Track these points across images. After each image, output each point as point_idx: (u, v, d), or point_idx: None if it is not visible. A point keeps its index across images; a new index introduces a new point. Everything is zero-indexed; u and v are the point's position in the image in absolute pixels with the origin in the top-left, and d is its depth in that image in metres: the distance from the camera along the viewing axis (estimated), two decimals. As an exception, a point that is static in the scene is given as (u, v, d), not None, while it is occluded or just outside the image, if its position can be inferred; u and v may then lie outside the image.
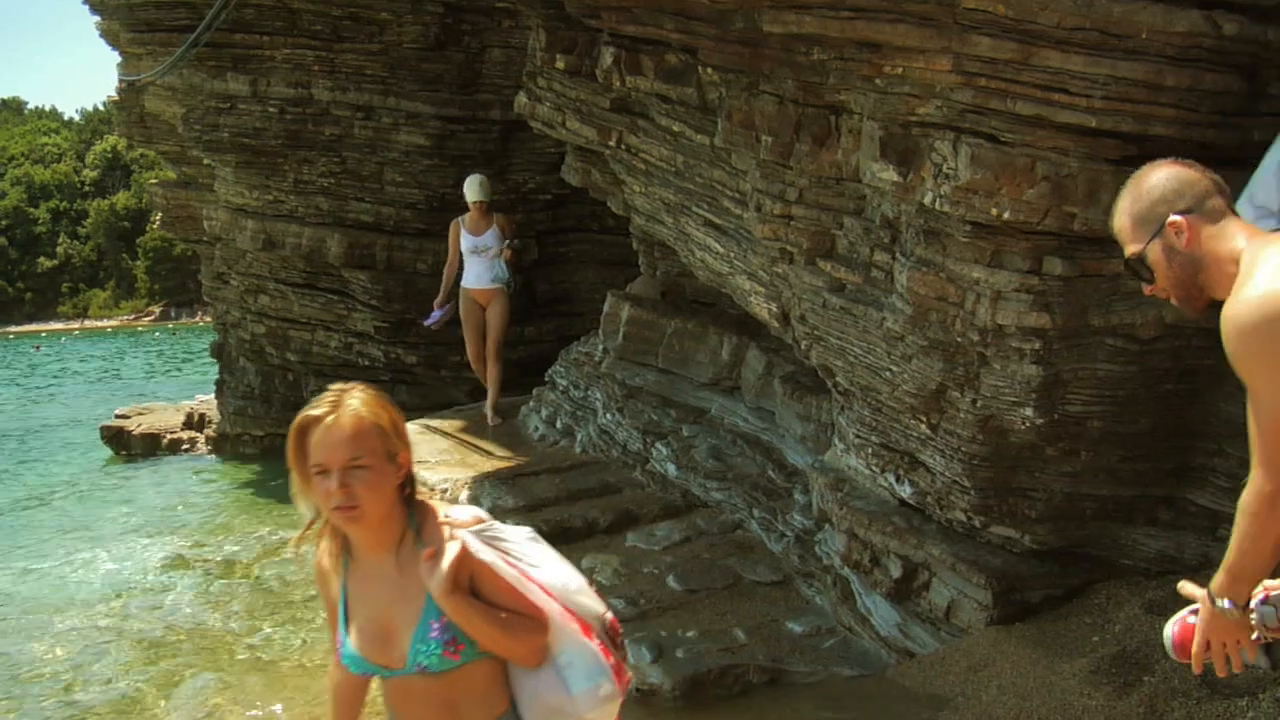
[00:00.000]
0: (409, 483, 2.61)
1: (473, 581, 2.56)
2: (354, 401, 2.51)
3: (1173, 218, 2.64)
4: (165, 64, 13.42)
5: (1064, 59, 4.36)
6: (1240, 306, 2.45)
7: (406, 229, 13.68)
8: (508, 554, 2.63)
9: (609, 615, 2.81)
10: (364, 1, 12.40)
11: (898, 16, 4.78)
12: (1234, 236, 2.61)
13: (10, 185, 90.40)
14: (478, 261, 10.06)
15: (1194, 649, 2.56)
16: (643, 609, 6.43)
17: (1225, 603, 2.47)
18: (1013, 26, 4.41)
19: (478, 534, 2.60)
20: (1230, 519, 2.50)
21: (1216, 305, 2.61)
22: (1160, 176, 2.70)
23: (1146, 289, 2.77)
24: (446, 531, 2.56)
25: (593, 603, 2.76)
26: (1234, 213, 2.68)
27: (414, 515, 2.61)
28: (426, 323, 10.71)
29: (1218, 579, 2.50)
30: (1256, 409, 2.44)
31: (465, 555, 2.52)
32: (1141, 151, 4.52)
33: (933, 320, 5.04)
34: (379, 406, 2.54)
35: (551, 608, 2.63)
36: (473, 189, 10.08)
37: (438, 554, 2.49)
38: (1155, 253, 2.68)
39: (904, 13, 4.76)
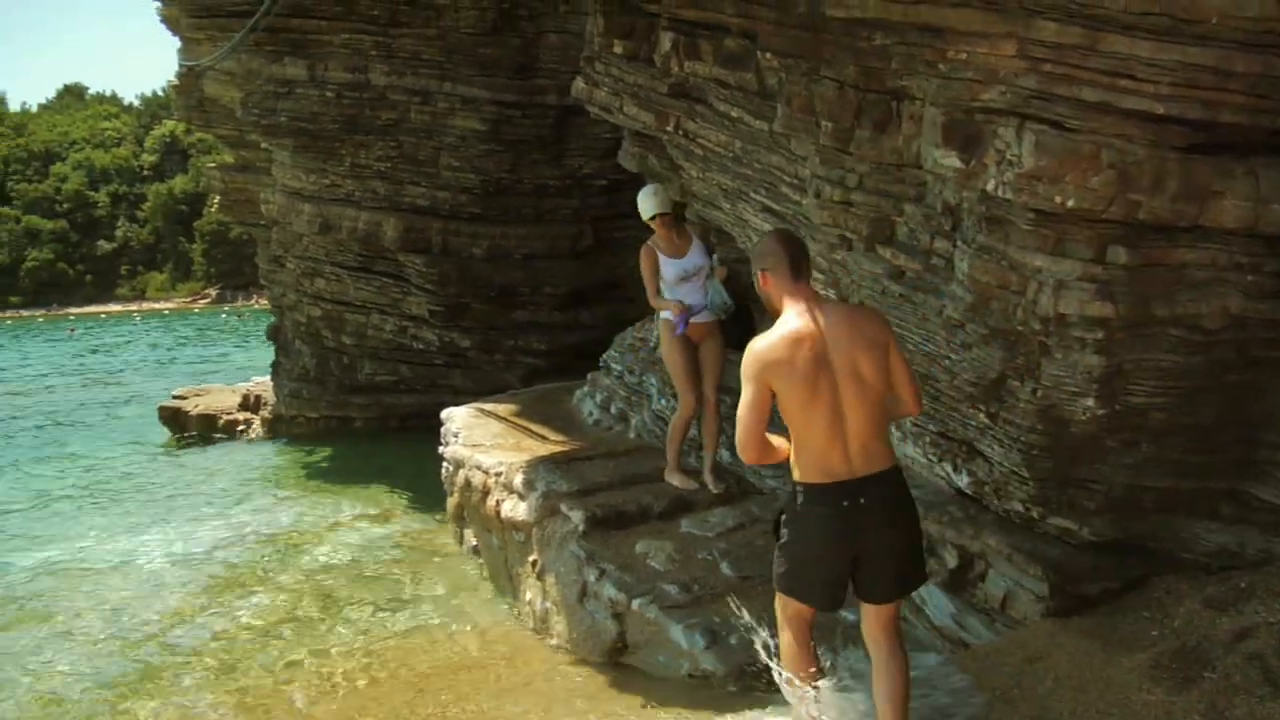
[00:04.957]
0: None
1: None
2: None
3: (757, 271, 4.24)
4: (224, 49, 13.56)
5: (1131, 44, 4.28)
6: (750, 345, 4.06)
7: (462, 213, 13.77)
8: None
9: None
10: (421, -14, 12.50)
11: (962, 1, 4.72)
12: (786, 295, 4.12)
13: (71, 169, 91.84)
14: (690, 291, 7.69)
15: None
16: (696, 595, 6.45)
17: None
18: (1079, 11, 4.34)
19: None
20: None
21: None
22: (766, 241, 4.30)
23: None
24: None
25: None
26: (803, 278, 4.14)
27: None
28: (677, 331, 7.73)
29: None
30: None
31: None
32: (1210, 139, 4.45)
33: (993, 308, 4.98)
34: None
35: None
36: (649, 199, 7.65)
37: None
38: (758, 280, 4.25)
39: (968, -3, 4.70)
